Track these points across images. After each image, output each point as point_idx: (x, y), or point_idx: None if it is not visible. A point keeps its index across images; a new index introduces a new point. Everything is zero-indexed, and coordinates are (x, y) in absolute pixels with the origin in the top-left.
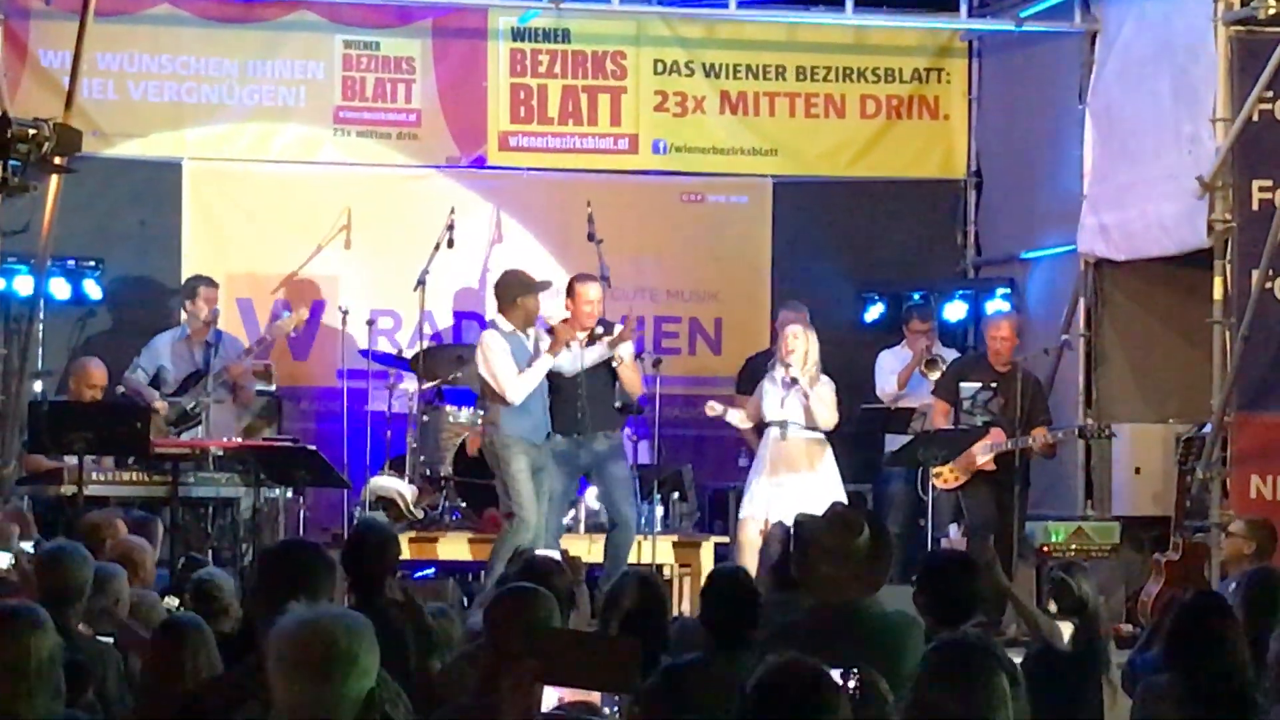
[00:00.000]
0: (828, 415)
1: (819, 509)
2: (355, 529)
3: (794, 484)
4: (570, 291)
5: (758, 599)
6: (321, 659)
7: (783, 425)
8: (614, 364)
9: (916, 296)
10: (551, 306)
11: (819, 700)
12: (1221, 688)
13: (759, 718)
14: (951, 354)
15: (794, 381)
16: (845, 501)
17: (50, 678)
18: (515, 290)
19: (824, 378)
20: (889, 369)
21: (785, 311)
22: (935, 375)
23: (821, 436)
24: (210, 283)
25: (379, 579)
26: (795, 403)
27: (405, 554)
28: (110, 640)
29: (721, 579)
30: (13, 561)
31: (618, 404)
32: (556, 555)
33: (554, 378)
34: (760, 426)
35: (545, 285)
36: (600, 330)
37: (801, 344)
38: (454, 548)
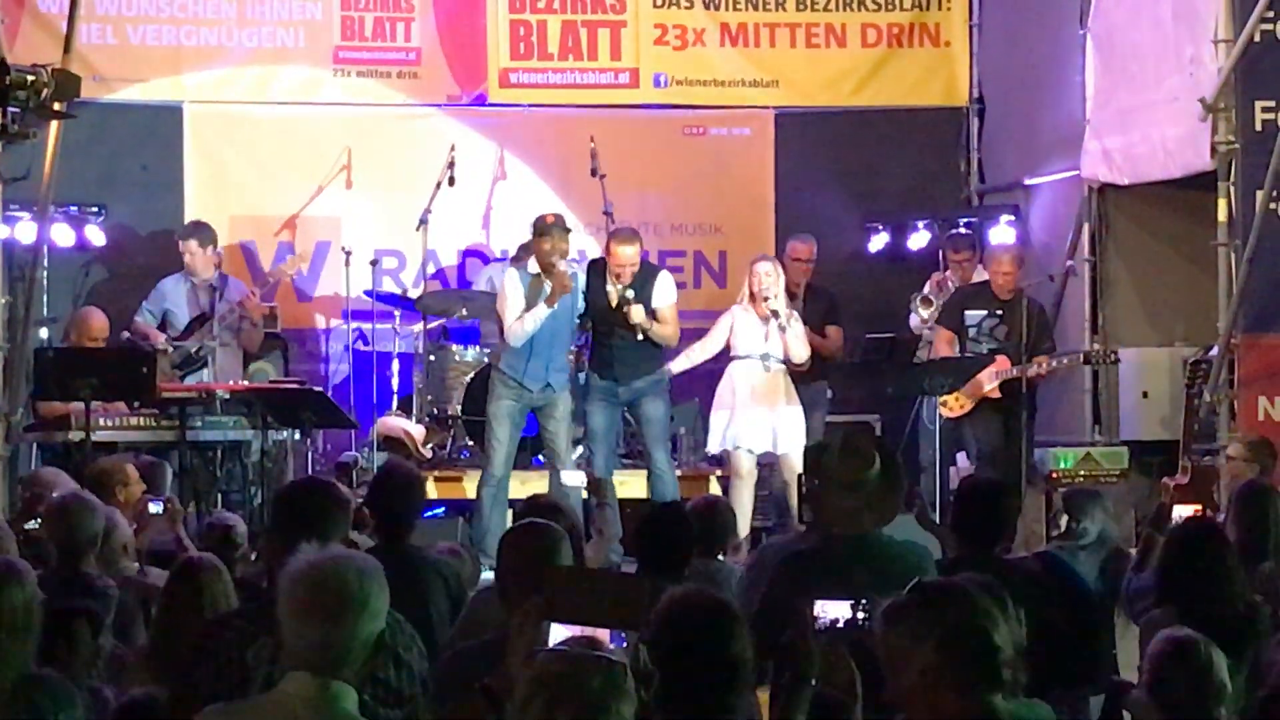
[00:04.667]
0: (805, 350)
1: (806, 439)
2: (380, 471)
3: (787, 414)
4: (608, 249)
5: (690, 535)
6: (332, 601)
7: (765, 358)
8: (623, 308)
9: (921, 225)
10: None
11: (720, 628)
12: (1219, 615)
13: (666, 648)
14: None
15: (775, 315)
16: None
17: (22, 633)
18: (535, 232)
19: (794, 312)
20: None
21: (794, 243)
22: (927, 312)
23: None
24: (190, 233)
25: (404, 521)
26: (776, 337)
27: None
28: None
29: (653, 515)
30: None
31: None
32: (580, 482)
33: (592, 314)
34: (722, 356)
35: (554, 226)
36: (630, 295)
37: (774, 283)
38: (468, 486)
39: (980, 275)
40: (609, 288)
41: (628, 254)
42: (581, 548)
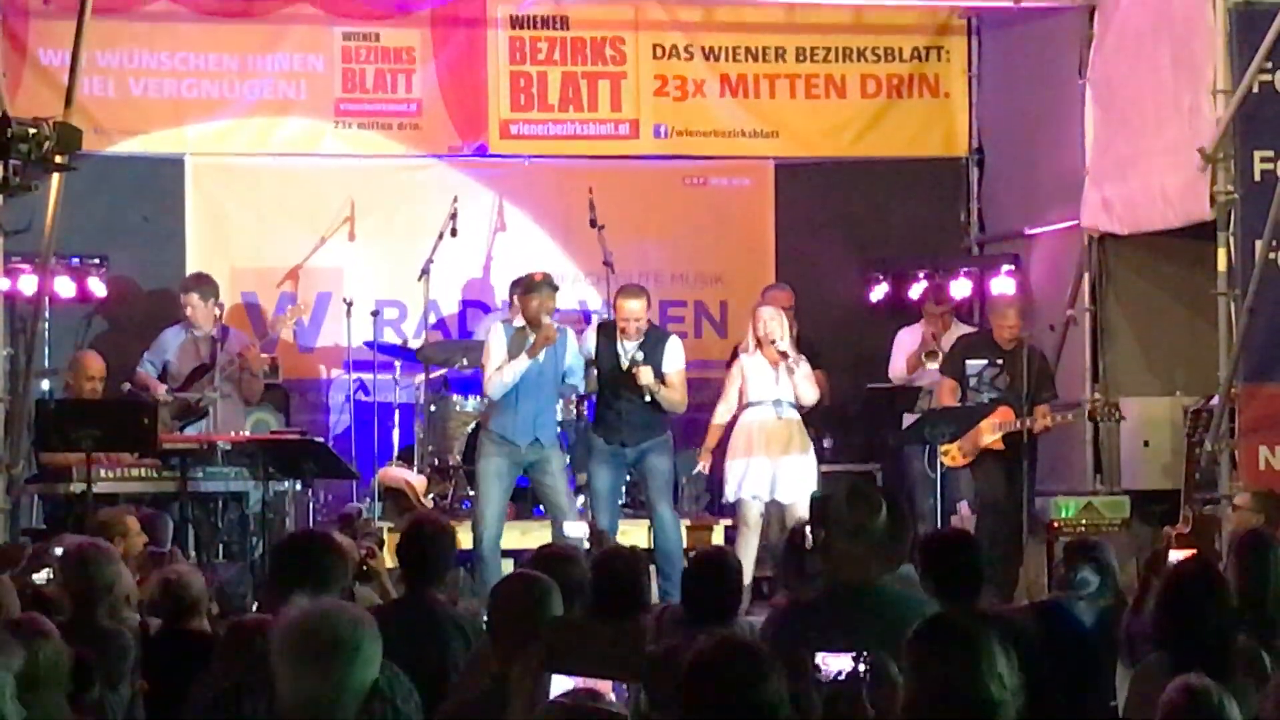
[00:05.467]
0: (814, 391)
1: (814, 488)
2: (411, 522)
3: (792, 463)
4: (615, 307)
5: (739, 581)
6: (325, 649)
7: (777, 404)
8: (634, 374)
9: (922, 275)
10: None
11: (752, 675)
12: (1214, 660)
13: (697, 694)
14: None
15: (786, 357)
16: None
17: (54, 686)
18: (514, 290)
19: (801, 356)
20: (905, 349)
21: (775, 291)
22: (934, 365)
23: (799, 417)
24: (191, 287)
25: (433, 573)
26: (787, 382)
27: None
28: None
29: (702, 561)
30: (50, 576)
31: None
32: (583, 533)
33: (600, 375)
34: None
35: (542, 284)
36: (640, 358)
37: (778, 325)
38: (469, 537)
39: (958, 328)
40: (618, 348)
41: (634, 308)
42: (644, 595)
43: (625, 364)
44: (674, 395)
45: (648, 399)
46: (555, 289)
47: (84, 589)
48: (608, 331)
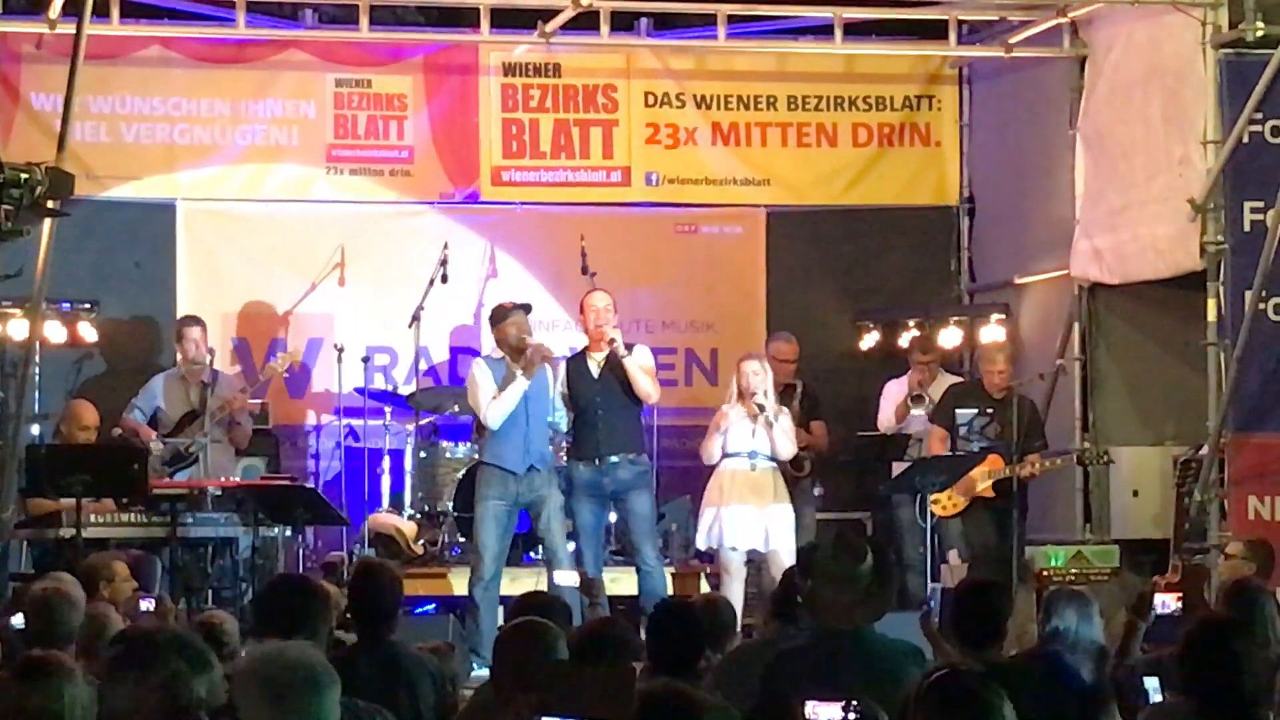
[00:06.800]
0: (790, 446)
1: (795, 536)
2: (358, 568)
3: (771, 513)
4: (581, 307)
5: (701, 632)
6: (287, 687)
7: (752, 455)
8: (619, 355)
9: (912, 324)
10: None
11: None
12: (1234, 709)
13: None
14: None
15: (762, 410)
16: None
17: None
18: (493, 320)
19: (784, 409)
20: (893, 400)
21: (779, 343)
22: (920, 410)
23: (776, 467)
24: (194, 322)
25: (386, 617)
26: (764, 434)
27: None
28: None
29: (663, 612)
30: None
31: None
32: (573, 581)
33: (575, 401)
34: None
35: (514, 309)
36: (621, 350)
37: (762, 380)
38: (458, 583)
39: (944, 378)
40: (588, 364)
41: (602, 299)
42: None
43: (596, 372)
44: (645, 377)
45: (623, 404)
46: (528, 309)
47: (46, 635)
48: (576, 359)
